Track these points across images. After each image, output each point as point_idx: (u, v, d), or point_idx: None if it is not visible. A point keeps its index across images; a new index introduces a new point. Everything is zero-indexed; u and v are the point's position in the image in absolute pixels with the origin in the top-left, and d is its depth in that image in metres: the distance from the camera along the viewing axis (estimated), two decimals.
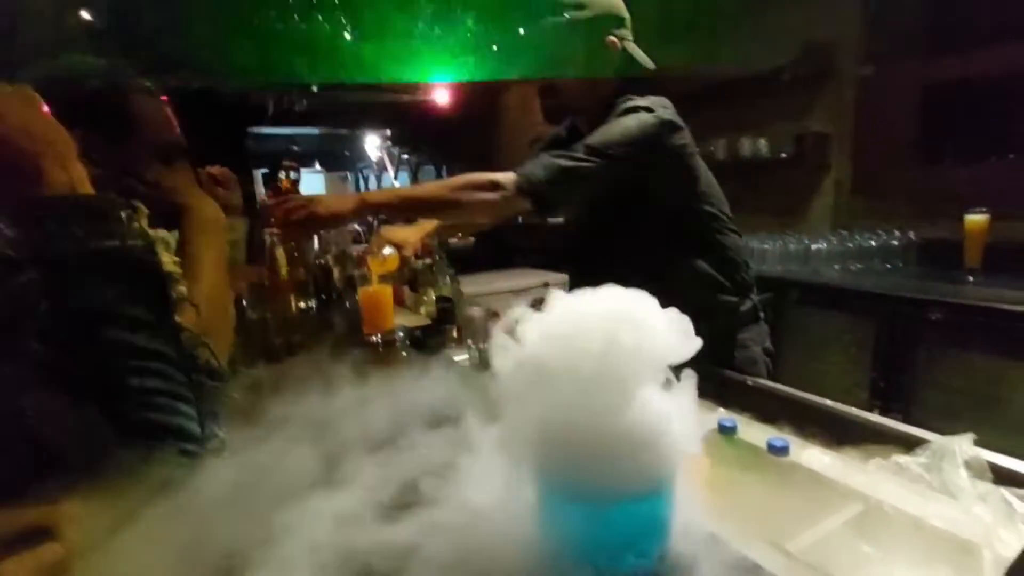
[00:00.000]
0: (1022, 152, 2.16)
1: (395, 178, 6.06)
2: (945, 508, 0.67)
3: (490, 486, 0.50)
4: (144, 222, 0.55)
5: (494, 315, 1.61)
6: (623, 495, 0.43)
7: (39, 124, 0.54)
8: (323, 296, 1.65)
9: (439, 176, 6.41)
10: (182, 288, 0.67)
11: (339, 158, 6.80)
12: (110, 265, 0.50)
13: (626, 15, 1.27)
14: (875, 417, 0.89)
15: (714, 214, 1.27)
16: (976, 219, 2.11)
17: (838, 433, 0.86)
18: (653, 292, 0.59)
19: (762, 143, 2.91)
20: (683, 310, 0.46)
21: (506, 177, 1.15)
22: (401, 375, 1.00)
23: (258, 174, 3.85)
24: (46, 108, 0.56)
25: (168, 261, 0.67)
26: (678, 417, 0.43)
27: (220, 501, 0.54)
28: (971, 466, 0.72)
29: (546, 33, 1.24)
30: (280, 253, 1.34)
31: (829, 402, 0.95)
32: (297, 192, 1.74)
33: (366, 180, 6.89)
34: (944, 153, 2.38)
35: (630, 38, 1.27)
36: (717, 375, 1.13)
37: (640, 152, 1.14)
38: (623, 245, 1.26)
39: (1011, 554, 0.51)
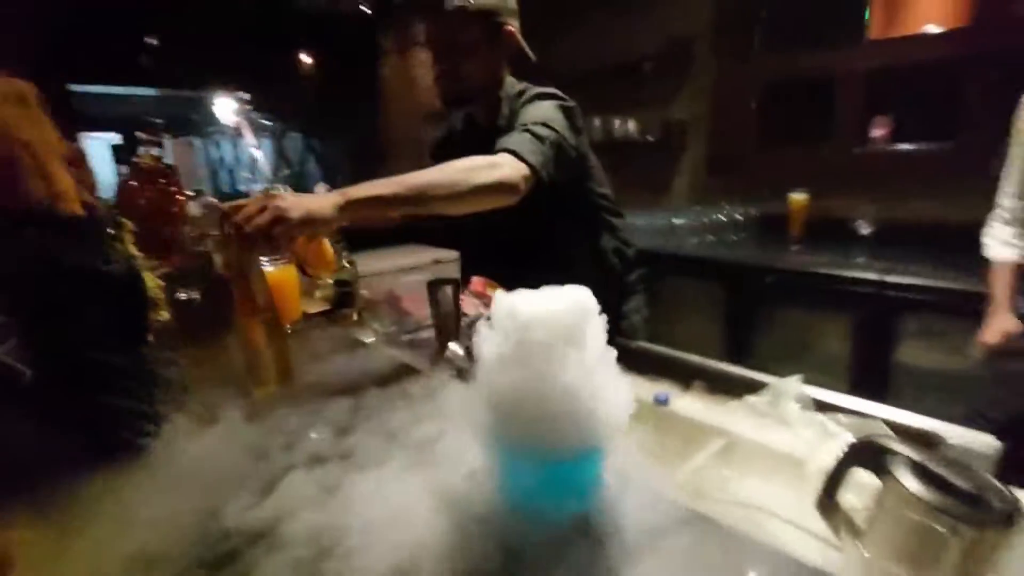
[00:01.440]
0: (835, 142, 2.61)
1: (258, 147, 5.54)
2: (782, 435, 0.87)
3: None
4: (129, 240, 0.52)
5: (396, 298, 1.64)
6: (567, 455, 0.53)
7: (17, 123, 0.47)
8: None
9: (309, 147, 6.00)
10: (163, 314, 0.63)
11: (185, 124, 5.98)
12: (89, 286, 0.47)
13: (516, 7, 1.33)
14: (730, 367, 1.09)
15: (604, 194, 1.40)
16: (797, 198, 2.54)
17: (706, 383, 1.05)
18: (554, 270, 0.68)
19: (631, 125, 3.17)
20: (583, 285, 0.56)
21: (505, 159, 1.06)
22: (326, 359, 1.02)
23: (97, 145, 3.32)
24: (38, 107, 0.49)
25: (153, 286, 0.62)
26: (612, 389, 0.53)
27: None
28: (800, 400, 0.94)
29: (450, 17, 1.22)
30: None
31: (696, 358, 1.14)
32: (164, 169, 1.54)
33: (218, 147, 6.22)
34: (776, 140, 2.80)
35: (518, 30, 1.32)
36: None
37: (568, 134, 1.17)
38: (525, 225, 1.25)
39: (829, 464, 0.70)
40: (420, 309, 1.41)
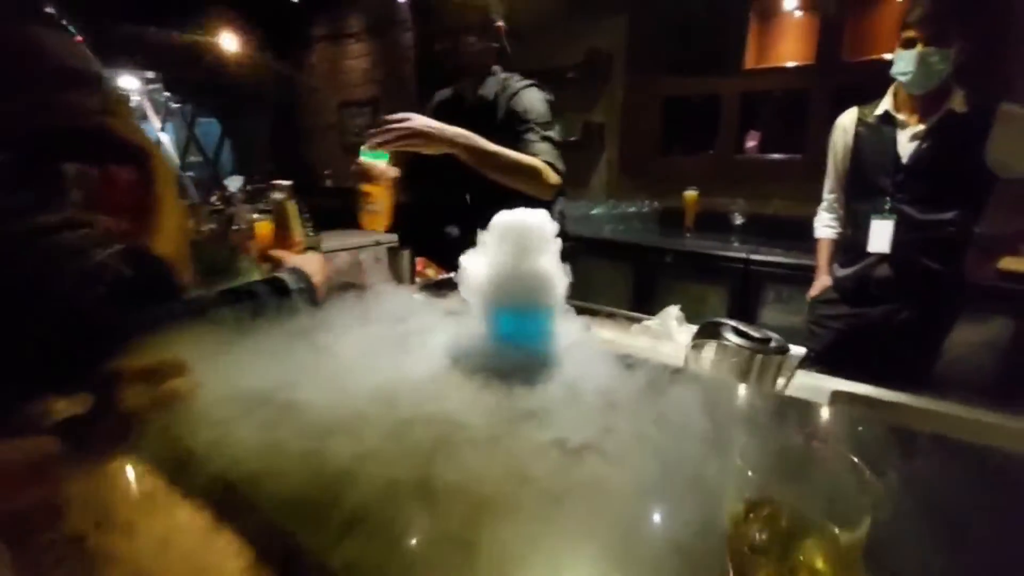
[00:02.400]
0: (719, 150, 3.19)
1: (162, 129, 5.10)
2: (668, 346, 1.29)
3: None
4: None
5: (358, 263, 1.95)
6: (537, 308, 0.90)
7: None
8: None
9: (224, 131, 5.87)
10: None
11: None
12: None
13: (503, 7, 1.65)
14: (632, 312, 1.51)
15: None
16: (690, 194, 3.09)
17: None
18: None
19: (557, 128, 3.60)
20: None
21: (548, 173, 1.49)
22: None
23: None
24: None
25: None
26: (558, 274, 0.90)
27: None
28: (678, 319, 1.37)
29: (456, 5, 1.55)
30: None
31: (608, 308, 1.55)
32: None
33: None
34: (674, 147, 3.35)
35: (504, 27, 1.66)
36: None
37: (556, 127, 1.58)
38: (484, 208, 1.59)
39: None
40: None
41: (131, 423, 0.54)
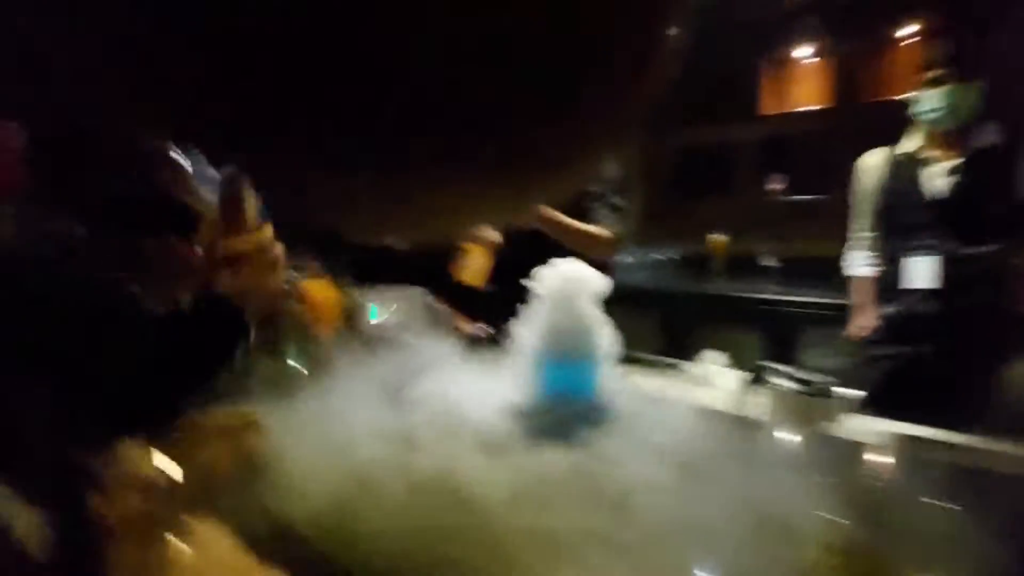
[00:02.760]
0: (740, 195, 3.21)
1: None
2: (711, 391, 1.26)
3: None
4: None
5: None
6: (586, 363, 0.89)
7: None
8: None
9: None
10: None
11: None
12: None
13: None
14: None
15: None
16: (716, 238, 3.08)
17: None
18: None
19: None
20: None
21: (610, 233, 1.61)
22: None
23: None
24: None
25: None
26: (605, 326, 0.91)
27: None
28: (720, 365, 1.34)
29: None
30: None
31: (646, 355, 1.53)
32: None
33: None
34: (694, 194, 3.38)
35: None
36: None
37: None
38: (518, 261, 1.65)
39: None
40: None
41: (211, 483, 0.54)
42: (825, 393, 0.96)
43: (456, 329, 1.94)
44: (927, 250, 1.68)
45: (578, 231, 1.56)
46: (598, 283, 0.92)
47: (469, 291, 1.89)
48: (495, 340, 1.66)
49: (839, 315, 2.28)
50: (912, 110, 1.65)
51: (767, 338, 2.55)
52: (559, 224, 1.52)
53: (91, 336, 0.64)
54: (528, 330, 0.91)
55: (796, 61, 3.11)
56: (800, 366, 1.03)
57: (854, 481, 0.76)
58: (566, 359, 0.89)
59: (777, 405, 0.97)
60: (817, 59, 3.04)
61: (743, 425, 0.98)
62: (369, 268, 1.96)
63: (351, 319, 1.85)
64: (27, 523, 0.42)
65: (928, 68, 1.60)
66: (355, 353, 1.22)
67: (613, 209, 1.66)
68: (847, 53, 2.85)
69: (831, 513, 0.50)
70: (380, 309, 1.51)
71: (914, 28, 2.75)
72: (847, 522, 0.47)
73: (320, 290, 1.57)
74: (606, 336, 0.90)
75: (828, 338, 2.33)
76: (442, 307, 1.82)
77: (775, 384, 0.98)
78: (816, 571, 0.42)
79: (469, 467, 0.70)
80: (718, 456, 0.73)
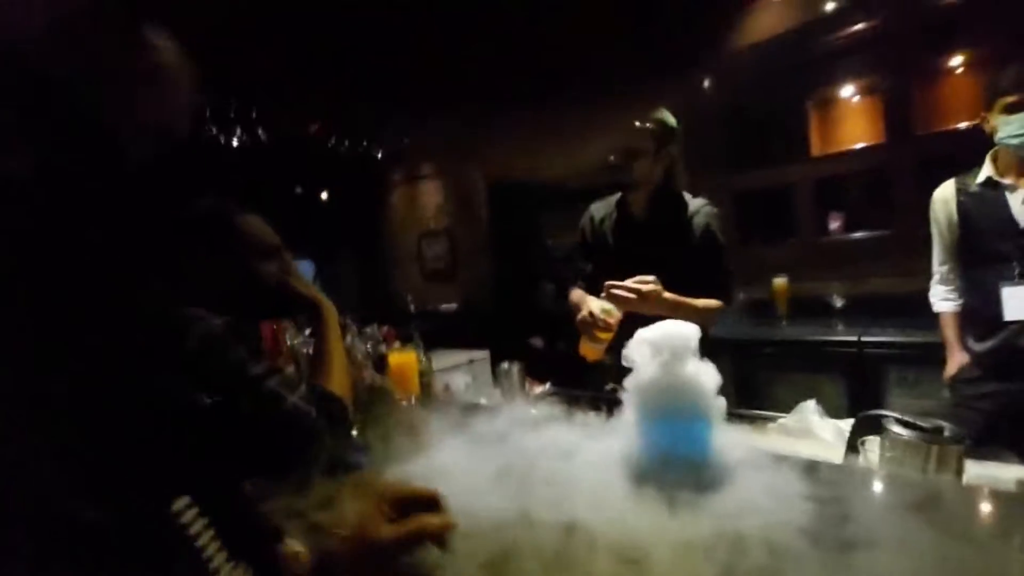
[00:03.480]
0: (800, 236, 3.17)
1: None
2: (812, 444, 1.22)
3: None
4: None
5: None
6: (695, 420, 0.89)
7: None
8: None
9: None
10: None
11: None
12: None
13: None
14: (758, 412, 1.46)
15: None
16: (780, 281, 3.02)
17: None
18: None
19: None
20: None
21: (725, 302, 1.64)
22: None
23: None
24: None
25: None
26: (711, 384, 0.91)
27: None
28: (817, 413, 1.30)
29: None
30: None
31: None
32: None
33: None
34: (754, 237, 3.35)
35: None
36: None
37: None
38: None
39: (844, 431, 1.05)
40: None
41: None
42: (944, 440, 0.91)
43: (525, 389, 1.96)
44: (1018, 280, 1.61)
45: (696, 307, 1.56)
46: (697, 339, 0.93)
47: (536, 353, 1.91)
48: (560, 398, 1.66)
49: (921, 354, 2.17)
50: (995, 136, 1.63)
51: (846, 382, 2.43)
52: (681, 304, 1.53)
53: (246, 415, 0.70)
54: (635, 389, 0.92)
55: (845, 100, 3.12)
56: (891, 411, 0.99)
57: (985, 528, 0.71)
58: (673, 416, 0.89)
59: (895, 454, 0.93)
60: (865, 96, 3.05)
61: (858, 475, 0.94)
62: (438, 333, 1.98)
63: (428, 385, 1.90)
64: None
65: (1002, 94, 1.59)
66: (446, 417, 1.26)
67: (725, 275, 1.67)
68: (893, 88, 2.85)
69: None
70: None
71: (959, 59, 2.74)
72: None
73: (403, 361, 1.64)
74: (711, 392, 0.90)
75: (916, 381, 2.21)
76: (514, 368, 1.85)
77: (893, 433, 0.94)
78: None
79: (611, 520, 0.70)
80: (856, 511, 0.70)
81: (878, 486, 0.80)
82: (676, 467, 0.85)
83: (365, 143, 4.78)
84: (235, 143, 4.18)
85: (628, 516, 0.74)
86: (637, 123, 1.66)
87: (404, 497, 0.60)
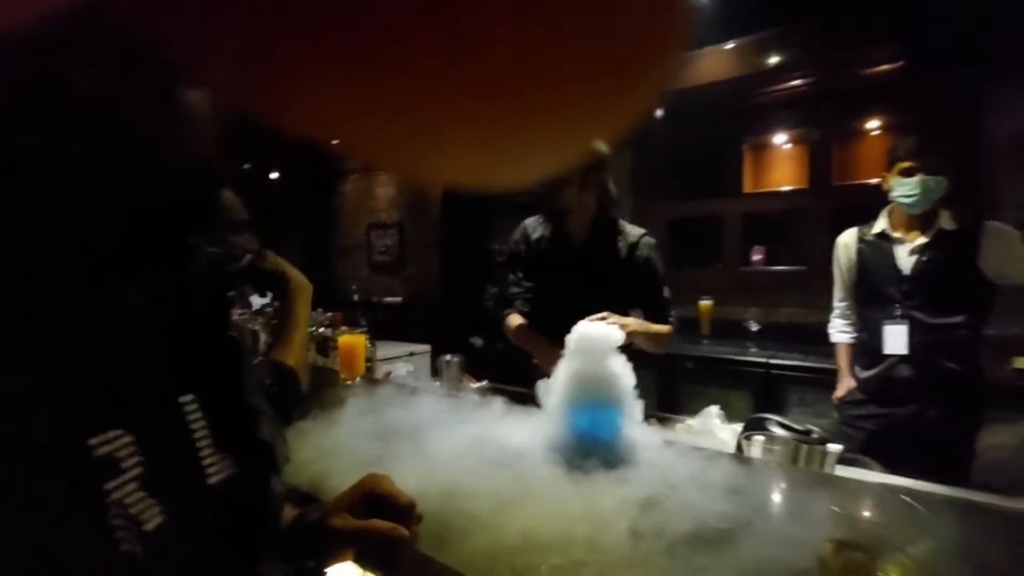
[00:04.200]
0: (726, 264, 3.44)
1: None
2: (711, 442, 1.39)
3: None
4: None
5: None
6: (611, 408, 1.02)
7: None
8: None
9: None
10: None
11: None
12: None
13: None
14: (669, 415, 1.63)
15: None
16: (705, 303, 3.28)
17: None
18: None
19: None
20: None
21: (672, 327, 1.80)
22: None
23: None
24: None
25: None
26: (627, 376, 1.04)
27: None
28: (720, 419, 1.47)
29: None
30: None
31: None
32: None
33: None
34: (685, 262, 3.61)
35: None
36: None
37: None
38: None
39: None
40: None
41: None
42: (812, 440, 1.09)
43: (463, 382, 2.06)
44: (899, 319, 1.86)
45: (656, 332, 1.74)
46: (618, 338, 1.06)
47: (476, 351, 2.02)
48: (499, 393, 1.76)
49: (819, 378, 2.44)
50: (890, 195, 1.88)
51: (754, 399, 2.68)
52: (648, 330, 1.69)
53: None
54: (560, 380, 1.04)
55: (776, 146, 3.43)
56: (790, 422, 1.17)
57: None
58: (592, 404, 1.02)
59: (772, 449, 1.10)
60: (794, 145, 3.37)
61: (745, 464, 1.10)
62: (380, 325, 2.04)
63: (371, 369, 1.96)
64: None
65: (900, 160, 1.83)
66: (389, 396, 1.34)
67: (666, 303, 1.81)
68: (818, 142, 3.18)
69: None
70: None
71: (875, 123, 3.09)
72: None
73: (353, 342, 1.70)
74: (627, 386, 1.03)
75: (814, 401, 2.48)
76: (455, 360, 1.94)
77: (772, 431, 1.11)
78: (824, 560, 0.54)
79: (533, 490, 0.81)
80: (728, 488, 0.85)
81: (754, 471, 0.96)
82: (592, 448, 0.98)
83: None
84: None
85: (547, 488, 0.86)
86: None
87: (378, 494, 0.58)
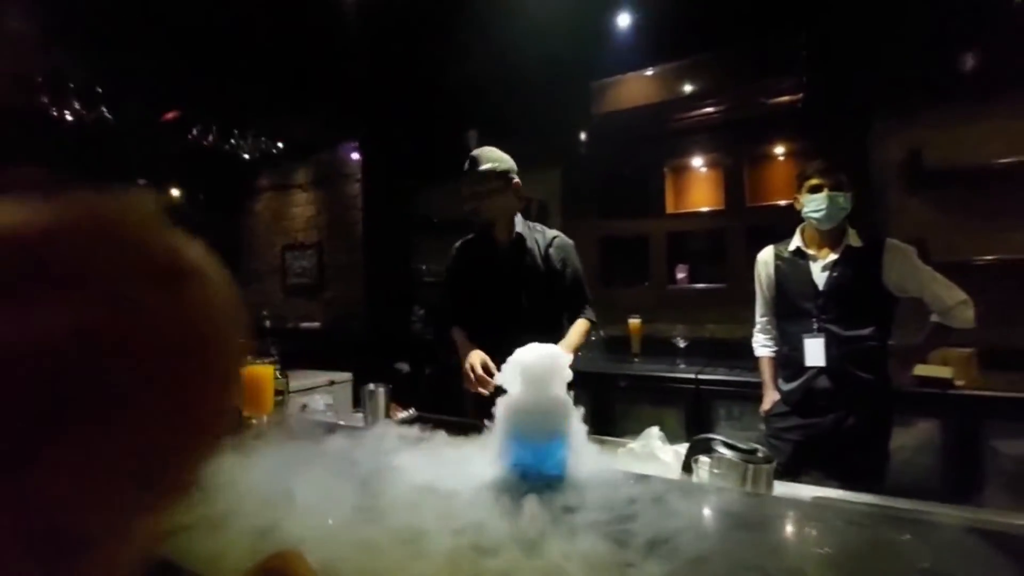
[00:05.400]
0: (652, 282, 3.52)
1: None
2: (655, 464, 1.34)
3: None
4: None
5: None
6: (550, 438, 0.94)
7: None
8: None
9: None
10: None
11: None
12: None
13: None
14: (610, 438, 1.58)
15: None
16: (634, 322, 3.32)
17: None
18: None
19: None
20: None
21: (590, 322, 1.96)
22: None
23: None
24: None
25: None
26: (570, 404, 0.97)
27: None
28: (661, 440, 1.44)
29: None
30: None
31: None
32: None
33: None
34: (612, 280, 3.66)
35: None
36: None
37: None
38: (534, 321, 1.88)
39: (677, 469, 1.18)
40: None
41: None
42: (758, 460, 1.07)
43: (390, 412, 1.91)
44: (816, 333, 1.94)
45: (581, 336, 1.89)
46: (565, 363, 0.99)
47: (402, 377, 1.92)
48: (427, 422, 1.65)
49: (744, 391, 2.51)
50: (802, 212, 1.97)
51: (685, 415, 2.72)
52: (575, 344, 1.82)
53: None
54: (500, 409, 0.95)
55: (695, 169, 3.58)
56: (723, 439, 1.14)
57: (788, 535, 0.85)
58: (533, 436, 0.94)
59: (719, 470, 1.06)
60: (710, 168, 3.53)
61: (690, 489, 1.05)
62: (296, 353, 1.88)
63: (282, 404, 1.77)
64: None
65: (808, 178, 1.94)
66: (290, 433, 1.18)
67: (585, 298, 1.99)
68: (731, 165, 3.35)
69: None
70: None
71: (782, 148, 3.31)
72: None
73: (258, 375, 1.51)
74: (571, 415, 0.96)
75: (741, 414, 2.54)
76: (380, 390, 1.80)
77: (719, 453, 1.07)
78: None
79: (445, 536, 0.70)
80: (677, 518, 0.79)
81: (703, 496, 0.91)
82: (535, 481, 0.89)
83: (232, 141, 4.39)
84: (69, 117, 3.64)
85: (486, 522, 0.75)
86: (481, 167, 1.83)
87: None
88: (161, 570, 0.65)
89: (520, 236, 1.91)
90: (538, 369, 0.94)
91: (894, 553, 0.73)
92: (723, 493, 0.96)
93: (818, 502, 1.15)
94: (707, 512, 0.80)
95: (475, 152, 1.86)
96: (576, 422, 0.96)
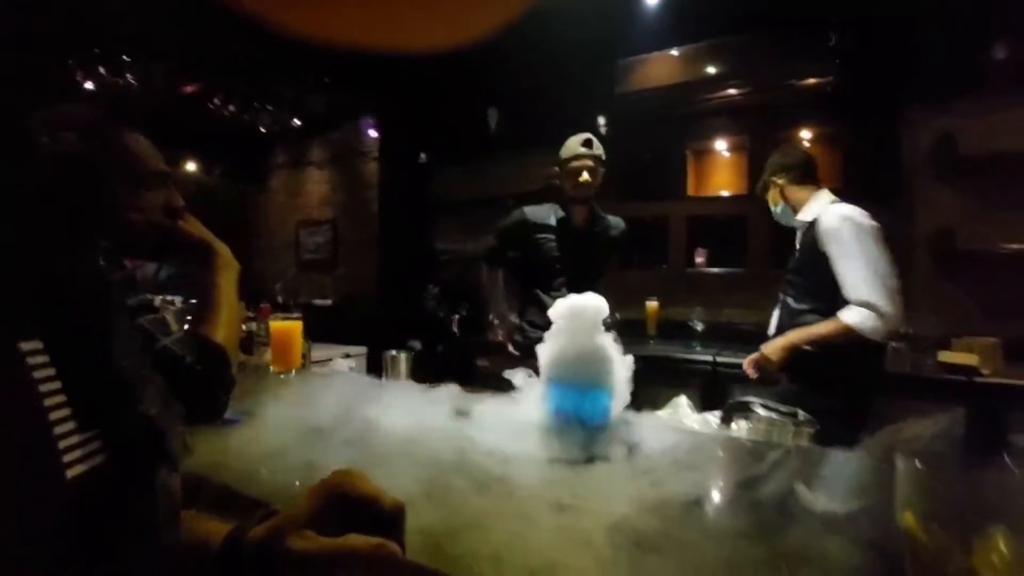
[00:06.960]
0: (672, 265, 3.50)
1: None
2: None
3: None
4: None
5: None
6: (600, 386, 0.93)
7: None
8: None
9: None
10: None
11: None
12: None
13: None
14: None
15: None
16: (651, 304, 3.30)
17: None
18: None
19: None
20: None
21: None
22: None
23: None
24: None
25: None
26: (617, 354, 0.96)
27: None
28: (690, 408, 1.43)
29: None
30: None
31: None
32: None
33: None
34: (632, 263, 3.64)
35: None
36: None
37: None
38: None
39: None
40: None
41: None
42: (802, 422, 1.06)
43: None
44: (779, 303, 2.09)
45: None
46: (604, 310, 0.98)
47: (416, 355, 1.95)
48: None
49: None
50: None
51: (701, 398, 2.71)
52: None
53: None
54: (544, 358, 0.94)
55: (718, 152, 3.54)
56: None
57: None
58: (577, 383, 0.93)
59: (758, 430, 1.05)
60: (733, 152, 3.49)
61: (733, 443, 1.05)
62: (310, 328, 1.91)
63: (307, 366, 1.77)
64: None
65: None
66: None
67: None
68: (755, 149, 3.31)
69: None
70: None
71: (808, 133, 3.26)
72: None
73: (288, 328, 1.51)
74: (617, 360, 0.95)
75: (752, 395, 2.52)
76: (401, 356, 1.79)
77: (756, 413, 1.06)
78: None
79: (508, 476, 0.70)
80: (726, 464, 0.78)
81: (745, 448, 0.90)
82: (579, 429, 0.89)
83: (252, 110, 4.38)
84: (90, 85, 3.64)
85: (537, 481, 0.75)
86: (584, 149, 2.08)
87: (352, 498, 0.41)
88: (225, 497, 0.65)
89: (593, 222, 2.24)
90: (579, 314, 0.93)
91: None
92: (767, 445, 0.95)
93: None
94: (743, 460, 0.79)
95: (585, 135, 2.14)
96: (621, 369, 0.95)
